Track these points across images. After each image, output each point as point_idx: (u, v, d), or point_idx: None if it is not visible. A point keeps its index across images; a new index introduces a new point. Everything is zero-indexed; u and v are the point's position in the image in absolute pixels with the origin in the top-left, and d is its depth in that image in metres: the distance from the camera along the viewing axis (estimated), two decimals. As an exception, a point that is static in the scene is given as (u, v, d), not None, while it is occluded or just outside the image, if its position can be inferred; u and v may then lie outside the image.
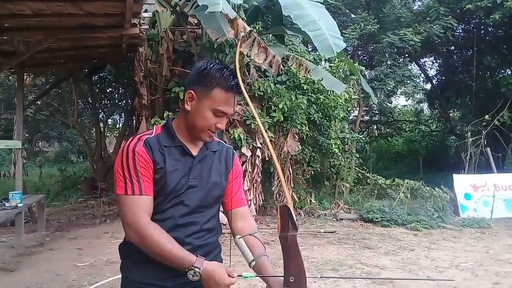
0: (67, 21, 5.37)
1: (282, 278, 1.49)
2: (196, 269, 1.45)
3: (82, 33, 5.85)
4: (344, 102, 8.82)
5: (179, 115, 1.67)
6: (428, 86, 18.02)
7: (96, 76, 11.59)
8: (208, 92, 1.56)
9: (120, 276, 1.70)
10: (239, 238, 1.63)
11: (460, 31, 14.74)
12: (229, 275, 1.47)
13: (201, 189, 1.64)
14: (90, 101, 12.00)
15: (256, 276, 1.59)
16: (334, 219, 8.36)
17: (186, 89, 1.62)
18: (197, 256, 1.49)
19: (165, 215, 1.58)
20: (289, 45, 8.73)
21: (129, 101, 11.60)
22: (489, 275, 5.07)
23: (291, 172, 8.34)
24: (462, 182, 9.20)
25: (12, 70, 7.88)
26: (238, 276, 1.51)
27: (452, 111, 18.04)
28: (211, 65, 1.59)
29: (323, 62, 9.82)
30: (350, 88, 9.43)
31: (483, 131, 11.03)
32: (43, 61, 7.74)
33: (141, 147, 1.55)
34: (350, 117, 11.88)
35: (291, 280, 1.48)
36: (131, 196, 1.51)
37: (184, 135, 1.64)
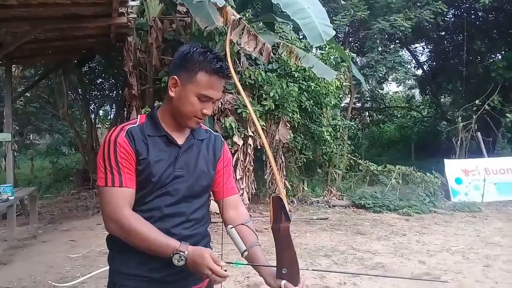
0: (54, 11, 5.29)
1: (275, 268, 1.49)
2: (181, 253, 1.44)
3: (69, 23, 5.77)
4: (335, 89, 8.82)
5: (164, 103, 1.64)
6: (419, 72, 18.06)
7: (85, 67, 11.46)
8: (192, 76, 1.52)
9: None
10: (231, 227, 1.60)
11: (450, 16, 14.73)
12: (214, 262, 1.44)
13: (188, 179, 1.60)
14: (80, 92, 11.89)
15: (247, 264, 1.59)
16: (327, 206, 8.42)
17: (169, 75, 1.58)
18: (181, 242, 1.48)
19: (151, 205, 1.55)
20: (280, 32, 8.69)
21: (120, 91, 11.51)
22: (480, 258, 5.14)
23: (283, 160, 8.36)
24: (453, 166, 9.28)
25: (0, 62, 7.79)
26: (227, 263, 1.49)
27: (443, 97, 18.11)
28: (194, 49, 1.55)
29: (314, 50, 9.80)
30: (341, 75, 9.43)
31: (473, 116, 11.10)
32: (31, 52, 7.65)
33: (123, 138, 1.51)
34: (342, 104, 11.87)
35: (283, 272, 1.48)
36: (111, 188, 1.49)
37: (170, 123, 1.60)
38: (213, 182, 1.73)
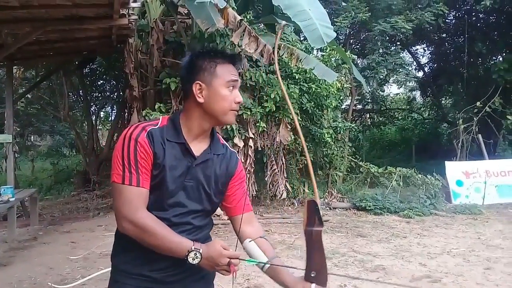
0: (55, 13, 5.30)
1: (299, 274, 1.53)
2: (197, 250, 1.45)
3: (70, 24, 5.78)
4: (336, 91, 8.81)
5: (187, 111, 1.61)
6: (420, 74, 18.05)
7: (86, 69, 11.48)
8: (212, 72, 1.56)
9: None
10: (250, 241, 1.63)
11: (451, 18, 14.73)
12: (224, 249, 1.48)
13: (197, 191, 1.60)
14: (81, 93, 11.92)
15: (260, 262, 1.61)
16: (328, 208, 8.41)
17: (189, 84, 1.57)
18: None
19: (160, 214, 1.54)
20: (280, 34, 8.68)
21: (121, 93, 11.52)
22: (481, 260, 5.13)
23: (284, 162, 8.35)
24: (454, 169, 9.27)
25: (1, 63, 7.79)
26: (241, 259, 1.51)
27: (444, 99, 18.09)
28: (201, 51, 1.62)
29: (315, 51, 9.78)
30: (342, 77, 9.42)
31: (474, 118, 11.09)
32: (32, 53, 7.66)
33: (144, 138, 1.51)
34: (343, 106, 11.87)
35: (312, 275, 1.49)
36: (128, 186, 1.48)
37: (191, 132, 1.59)
38: (225, 198, 1.73)
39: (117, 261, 1.64)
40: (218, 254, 1.46)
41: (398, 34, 11.63)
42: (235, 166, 1.73)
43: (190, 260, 1.45)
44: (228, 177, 1.70)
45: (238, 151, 7.26)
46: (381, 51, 12.27)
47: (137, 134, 1.51)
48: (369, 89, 16.06)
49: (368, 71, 12.27)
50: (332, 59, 9.11)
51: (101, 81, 13.02)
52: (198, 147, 1.61)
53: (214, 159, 1.65)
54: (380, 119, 19.93)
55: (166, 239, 1.47)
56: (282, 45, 7.22)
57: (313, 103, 8.54)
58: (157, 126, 1.56)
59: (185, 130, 1.58)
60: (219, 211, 7.20)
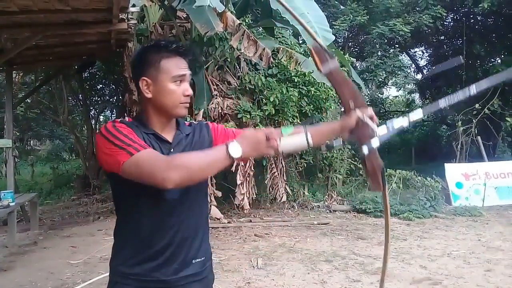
0: (55, 18, 5.31)
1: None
2: (232, 141, 1.44)
3: (70, 29, 5.79)
4: (335, 94, 8.80)
5: (143, 107, 1.63)
6: (419, 76, 18.10)
7: (86, 73, 11.49)
8: (157, 68, 1.55)
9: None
10: (279, 141, 1.54)
11: (450, 20, 14.78)
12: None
13: None
14: (81, 98, 11.91)
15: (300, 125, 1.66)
16: (328, 210, 8.40)
17: (136, 80, 1.59)
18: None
19: (158, 197, 1.53)
20: (279, 37, 8.71)
21: (120, 97, 11.52)
22: (481, 262, 5.13)
23: (284, 165, 8.35)
24: (453, 171, 9.27)
25: (0, 68, 7.80)
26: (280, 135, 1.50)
27: (443, 101, 18.08)
28: (146, 46, 1.61)
29: (313, 54, 9.79)
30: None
31: (473, 120, 11.10)
32: (31, 58, 7.67)
33: (119, 123, 1.52)
34: (342, 109, 11.88)
35: (351, 104, 1.54)
36: (140, 153, 1.42)
37: (155, 125, 1.60)
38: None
39: (115, 262, 1.64)
40: (256, 138, 1.46)
41: (397, 36, 11.68)
42: (208, 130, 1.75)
43: (232, 153, 1.42)
44: (210, 142, 1.72)
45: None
46: (379, 53, 12.32)
47: (111, 124, 1.51)
48: (368, 92, 16.11)
49: (367, 73, 12.31)
50: (331, 62, 9.11)
51: (101, 85, 13.03)
52: (168, 135, 1.62)
53: (187, 138, 1.66)
54: (379, 121, 19.82)
55: (203, 156, 1.45)
56: (281, 48, 7.25)
57: (312, 106, 8.55)
58: (126, 120, 1.58)
59: (150, 123, 1.60)
60: (219, 214, 7.25)
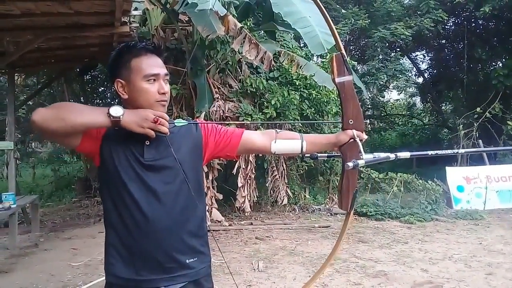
0: (57, 21, 5.34)
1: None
2: (117, 106, 1.50)
3: (72, 32, 5.83)
4: (336, 97, 8.82)
5: (124, 107, 1.64)
6: (420, 80, 18.09)
7: (88, 76, 11.54)
8: (128, 69, 1.57)
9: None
10: (274, 142, 1.66)
11: (451, 24, 14.79)
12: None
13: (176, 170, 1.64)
14: (83, 100, 11.93)
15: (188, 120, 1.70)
16: (329, 213, 8.40)
17: (111, 82, 1.63)
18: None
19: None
20: (281, 41, 8.73)
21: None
22: (482, 266, 5.12)
23: (285, 168, 8.35)
24: (454, 174, 9.26)
25: (3, 71, 7.84)
26: (170, 121, 1.57)
27: (444, 104, 18.12)
28: (118, 48, 1.63)
29: (315, 58, 9.83)
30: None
31: (475, 124, 11.11)
32: (33, 61, 7.71)
33: None
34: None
35: (350, 122, 1.61)
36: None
37: None
38: (220, 150, 1.75)
39: (106, 265, 1.65)
40: (144, 112, 1.51)
41: (398, 40, 11.70)
42: (197, 126, 1.75)
43: (112, 112, 1.46)
44: (199, 137, 1.72)
45: (239, 157, 7.28)
46: (381, 57, 12.33)
47: None
48: (369, 95, 16.11)
49: (368, 77, 12.32)
50: (332, 65, 9.12)
51: (102, 88, 13.06)
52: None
53: (174, 136, 1.66)
54: (381, 124, 19.94)
55: (84, 107, 1.53)
56: (283, 51, 7.27)
57: (313, 109, 8.56)
58: None
59: None
60: (220, 217, 7.25)
